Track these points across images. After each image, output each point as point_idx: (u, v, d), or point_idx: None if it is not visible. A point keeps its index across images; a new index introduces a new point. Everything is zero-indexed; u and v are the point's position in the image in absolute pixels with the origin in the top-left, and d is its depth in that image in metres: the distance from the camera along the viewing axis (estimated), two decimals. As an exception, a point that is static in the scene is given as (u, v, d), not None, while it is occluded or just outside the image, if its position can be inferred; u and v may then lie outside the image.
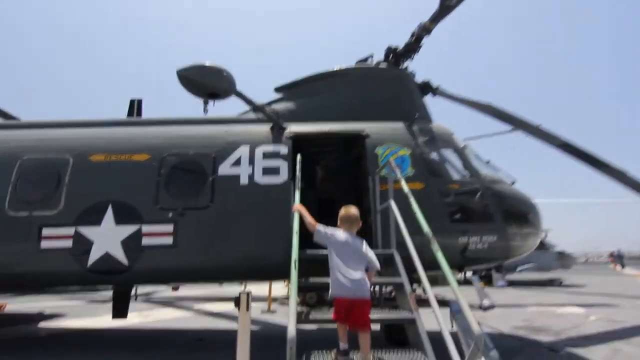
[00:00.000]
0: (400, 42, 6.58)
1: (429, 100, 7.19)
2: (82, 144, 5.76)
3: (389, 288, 5.62)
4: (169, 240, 5.18)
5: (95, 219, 5.24)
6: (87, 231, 5.23)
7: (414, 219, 3.71)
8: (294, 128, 5.84)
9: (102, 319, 8.28)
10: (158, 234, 5.21)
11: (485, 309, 9.92)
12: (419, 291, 7.07)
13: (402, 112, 6.21)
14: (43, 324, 8.40)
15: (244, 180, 5.38)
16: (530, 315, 9.20)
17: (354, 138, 5.87)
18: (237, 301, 2.81)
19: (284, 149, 5.56)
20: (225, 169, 5.45)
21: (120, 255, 5.16)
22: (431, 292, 3.05)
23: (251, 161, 5.49)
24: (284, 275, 5.47)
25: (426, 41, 6.30)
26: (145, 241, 5.19)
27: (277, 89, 6.92)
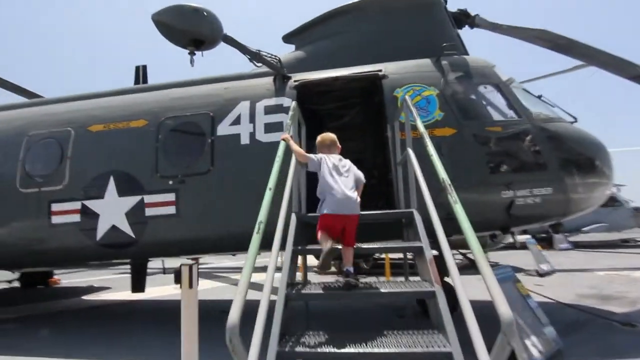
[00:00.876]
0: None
1: (467, 34, 5.98)
2: (82, 115, 5.53)
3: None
4: (172, 209, 4.84)
5: (99, 192, 5.04)
6: (93, 204, 5.05)
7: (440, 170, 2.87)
8: (299, 77, 5.08)
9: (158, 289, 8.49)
10: (160, 204, 4.88)
11: (543, 274, 8.83)
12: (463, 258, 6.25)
13: (429, 47, 5.14)
14: (92, 296, 8.85)
15: (244, 139, 4.81)
16: (599, 281, 7.88)
17: (369, 81, 4.98)
18: (177, 275, 2.26)
19: (287, 102, 4.84)
20: (224, 128, 4.90)
21: (126, 227, 4.94)
22: (451, 258, 2.28)
23: (252, 118, 4.88)
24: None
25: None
26: (149, 212, 4.89)
27: (286, 38, 6.13)
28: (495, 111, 4.73)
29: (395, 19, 5.46)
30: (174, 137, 5.09)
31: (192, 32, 4.11)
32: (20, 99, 6.88)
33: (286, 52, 5.91)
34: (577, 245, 16.72)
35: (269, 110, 4.88)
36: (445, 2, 5.77)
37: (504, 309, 1.63)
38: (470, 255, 5.03)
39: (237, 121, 4.91)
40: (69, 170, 5.19)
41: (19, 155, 5.40)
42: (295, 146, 3.30)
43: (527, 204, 4.36)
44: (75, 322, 6.29)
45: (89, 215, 5.01)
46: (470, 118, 4.56)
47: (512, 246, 11.92)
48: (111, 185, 5.00)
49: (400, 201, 4.23)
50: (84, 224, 5.03)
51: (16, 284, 9.38)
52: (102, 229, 4.98)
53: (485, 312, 2.00)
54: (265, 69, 5.34)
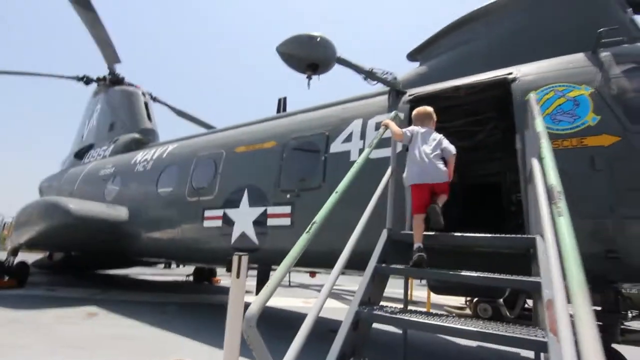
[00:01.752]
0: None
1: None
2: (232, 139, 6.71)
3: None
4: (287, 221, 5.21)
5: (236, 202, 5.90)
6: (231, 213, 5.94)
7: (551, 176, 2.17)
8: (414, 91, 4.82)
9: (284, 300, 9.30)
10: (279, 215, 5.33)
11: None
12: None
13: (583, 39, 4.09)
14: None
15: (354, 155, 4.81)
16: None
17: (495, 87, 4.27)
18: (229, 264, 2.30)
19: (400, 115, 4.63)
20: (336, 146, 5.05)
21: (252, 235, 5.57)
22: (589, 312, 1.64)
23: (362, 135, 4.87)
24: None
25: None
26: (270, 222, 5.40)
27: (410, 56, 5.96)
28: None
29: (538, 11, 4.60)
30: (294, 155, 5.55)
31: (308, 57, 4.46)
32: (200, 129, 8.90)
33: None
34: None
35: (380, 126, 4.77)
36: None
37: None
38: None
39: (348, 138, 4.98)
40: (218, 184, 6.30)
41: (190, 172, 6.92)
42: (395, 127, 3.40)
43: None
44: (206, 312, 7.25)
45: (228, 222, 5.91)
46: (643, 122, 3.32)
47: None
48: (245, 196, 5.79)
49: (531, 226, 3.36)
50: (224, 229, 5.95)
51: (190, 279, 11.75)
52: (235, 234, 5.77)
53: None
54: (382, 87, 5.30)
